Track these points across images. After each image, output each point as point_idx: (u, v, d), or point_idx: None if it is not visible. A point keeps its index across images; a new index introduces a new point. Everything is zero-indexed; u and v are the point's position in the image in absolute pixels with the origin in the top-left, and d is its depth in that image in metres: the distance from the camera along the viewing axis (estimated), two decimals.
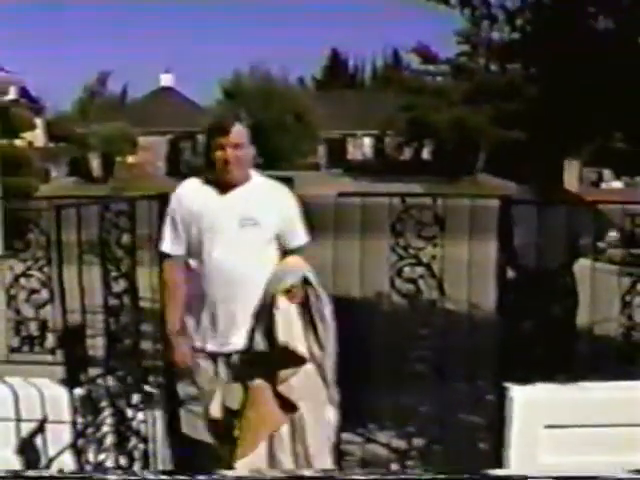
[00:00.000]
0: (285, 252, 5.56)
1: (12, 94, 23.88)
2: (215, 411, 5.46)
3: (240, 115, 5.66)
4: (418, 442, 6.48)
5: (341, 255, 6.22)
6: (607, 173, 47.55)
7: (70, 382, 5.64)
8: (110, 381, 5.69)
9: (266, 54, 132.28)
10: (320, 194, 6.03)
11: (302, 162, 56.47)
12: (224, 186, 5.43)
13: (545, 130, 10.38)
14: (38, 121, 46.08)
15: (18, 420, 5.67)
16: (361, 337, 6.95)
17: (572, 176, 43.65)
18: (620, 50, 7.09)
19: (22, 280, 5.84)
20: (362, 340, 6.95)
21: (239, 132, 5.40)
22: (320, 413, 5.52)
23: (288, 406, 5.34)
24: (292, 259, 5.52)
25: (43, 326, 5.89)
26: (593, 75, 7.22)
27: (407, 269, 5.89)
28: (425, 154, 62.83)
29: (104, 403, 5.64)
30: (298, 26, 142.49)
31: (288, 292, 5.28)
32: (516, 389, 5.72)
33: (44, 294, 5.82)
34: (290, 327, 5.25)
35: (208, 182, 5.52)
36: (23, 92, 38.74)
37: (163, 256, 5.59)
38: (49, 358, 5.85)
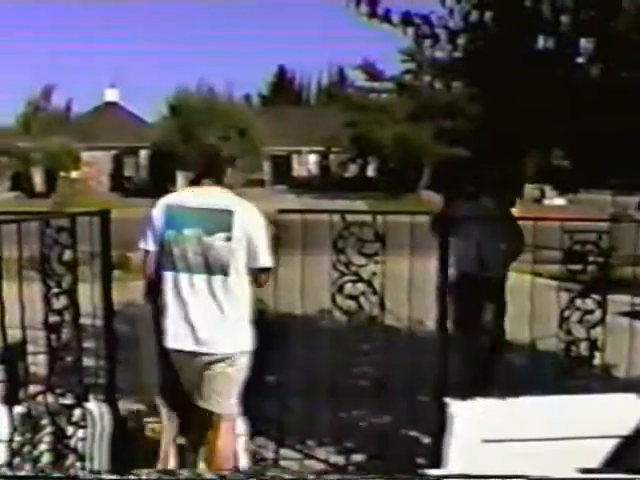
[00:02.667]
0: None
1: None
2: None
3: None
4: (357, 458, 6.52)
5: (283, 271, 6.25)
6: (549, 190, 47.88)
7: (9, 400, 5.58)
8: (50, 398, 5.65)
9: (212, 70, 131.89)
10: (263, 210, 6.07)
11: (247, 178, 56.32)
12: None
13: (486, 147, 10.50)
14: None
15: None
16: (302, 353, 6.98)
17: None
18: (559, 69, 7.21)
19: None
20: (302, 356, 6.97)
21: None
22: None
23: None
24: None
25: None
26: (532, 94, 7.32)
27: (348, 286, 5.93)
28: (370, 171, 62.94)
29: (44, 421, 5.60)
30: (245, 42, 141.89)
31: None
32: (455, 404, 5.77)
33: None
34: None
35: None
36: None
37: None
38: None
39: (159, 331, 5.83)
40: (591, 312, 5.95)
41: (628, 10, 6.32)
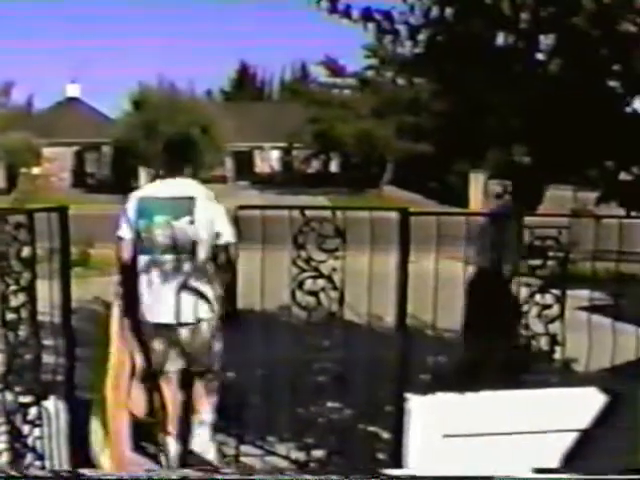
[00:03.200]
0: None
1: None
2: None
3: None
4: (317, 454, 6.52)
5: (242, 268, 6.25)
6: (511, 186, 48.02)
7: None
8: (9, 397, 5.60)
9: (174, 66, 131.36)
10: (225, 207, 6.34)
11: (209, 175, 56.08)
12: None
13: (447, 143, 10.55)
14: None
15: None
16: (261, 349, 6.97)
17: (477, 189, 44.21)
18: (519, 66, 7.23)
19: None
20: (262, 352, 6.97)
21: None
22: None
23: None
24: None
25: None
26: (492, 90, 7.34)
27: (308, 282, 5.93)
28: (333, 167, 62.94)
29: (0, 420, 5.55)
30: (207, 38, 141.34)
31: None
32: (415, 399, 5.77)
33: None
34: None
35: None
36: None
37: None
38: None
39: (134, 308, 6.57)
40: (549, 307, 5.98)
41: (587, 7, 6.35)
